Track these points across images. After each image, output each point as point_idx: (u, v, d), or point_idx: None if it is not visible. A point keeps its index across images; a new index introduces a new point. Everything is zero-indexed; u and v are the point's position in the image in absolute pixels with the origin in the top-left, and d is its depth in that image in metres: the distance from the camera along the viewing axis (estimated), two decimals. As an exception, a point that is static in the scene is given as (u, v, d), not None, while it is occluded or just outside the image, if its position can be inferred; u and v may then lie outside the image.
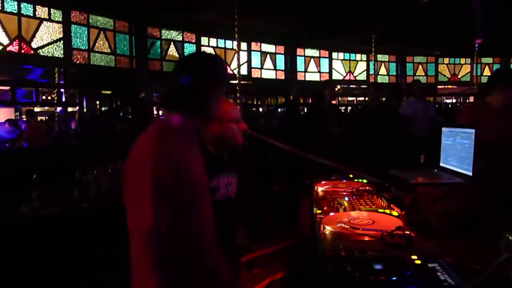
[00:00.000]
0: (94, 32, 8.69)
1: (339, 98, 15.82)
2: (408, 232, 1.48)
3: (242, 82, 8.81)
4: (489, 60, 16.00)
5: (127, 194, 1.28)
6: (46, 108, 12.62)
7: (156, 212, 1.19)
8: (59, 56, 8.02)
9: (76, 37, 8.28)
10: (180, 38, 10.73)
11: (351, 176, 2.72)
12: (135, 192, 1.25)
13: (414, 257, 1.26)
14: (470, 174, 2.00)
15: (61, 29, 8.02)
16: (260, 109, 13.29)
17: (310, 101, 13.63)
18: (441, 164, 2.38)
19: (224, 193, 1.82)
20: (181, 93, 1.40)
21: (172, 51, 10.58)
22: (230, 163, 1.89)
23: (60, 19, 8.02)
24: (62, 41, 8.02)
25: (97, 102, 10.64)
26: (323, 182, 2.61)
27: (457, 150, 2.20)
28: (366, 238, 1.48)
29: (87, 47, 8.54)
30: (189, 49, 10.89)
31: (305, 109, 12.75)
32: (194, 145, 1.48)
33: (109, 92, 10.40)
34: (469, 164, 2.01)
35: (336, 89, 15.52)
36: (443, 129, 2.40)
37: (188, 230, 1.34)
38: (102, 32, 8.90)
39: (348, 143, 5.16)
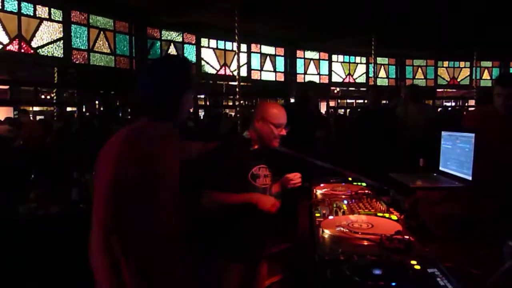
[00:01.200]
0: (94, 32, 8.68)
1: (338, 101, 15.83)
2: (407, 237, 1.48)
3: (241, 83, 8.82)
4: (489, 63, 16.03)
5: (96, 189, 1.40)
6: (45, 107, 12.60)
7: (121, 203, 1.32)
8: (59, 56, 8.01)
9: (76, 37, 8.27)
10: (180, 39, 10.73)
11: (350, 179, 2.71)
12: (102, 187, 1.36)
13: (413, 262, 1.25)
14: (470, 178, 2.00)
15: (61, 29, 8.02)
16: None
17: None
18: (441, 168, 2.37)
19: (263, 181, 2.14)
20: (150, 100, 1.47)
21: (172, 52, 10.57)
22: (269, 158, 2.17)
23: (61, 19, 8.02)
24: (62, 41, 8.01)
25: (96, 102, 10.63)
26: (322, 185, 2.60)
27: (456, 154, 2.20)
28: (365, 242, 1.48)
29: (87, 47, 8.53)
30: (189, 50, 10.89)
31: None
32: (167, 145, 1.52)
33: (108, 92, 10.39)
34: (469, 168, 2.01)
35: (336, 90, 15.54)
36: (443, 133, 2.39)
37: (152, 220, 1.43)
38: (102, 32, 8.89)
39: (344, 147, 5.15)
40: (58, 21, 7.97)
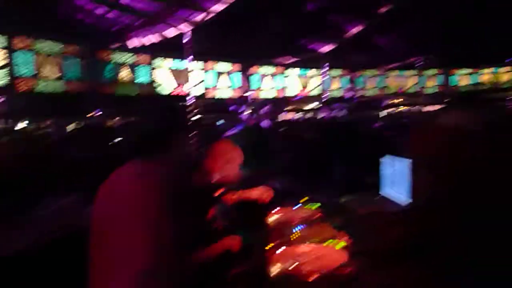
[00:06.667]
0: (41, 57, 8.39)
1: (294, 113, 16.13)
2: (354, 268, 1.53)
3: (197, 101, 8.83)
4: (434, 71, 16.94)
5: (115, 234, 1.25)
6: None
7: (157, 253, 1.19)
8: (1, 85, 7.68)
9: (20, 64, 7.96)
10: (133, 60, 10.59)
11: (301, 201, 2.73)
12: (130, 233, 1.22)
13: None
14: (411, 200, 2.08)
15: (5, 56, 7.70)
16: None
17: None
18: (383, 191, 2.46)
19: None
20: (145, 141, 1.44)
21: (126, 73, 10.42)
22: None
23: (4, 45, 7.70)
24: (6, 69, 7.69)
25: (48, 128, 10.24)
26: (273, 210, 2.60)
27: (397, 177, 2.29)
28: (315, 276, 1.51)
29: (33, 73, 8.23)
30: (142, 71, 10.76)
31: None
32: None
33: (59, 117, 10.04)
34: (409, 190, 2.09)
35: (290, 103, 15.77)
36: (383, 158, 2.49)
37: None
38: (50, 57, 8.61)
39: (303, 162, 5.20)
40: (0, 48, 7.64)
